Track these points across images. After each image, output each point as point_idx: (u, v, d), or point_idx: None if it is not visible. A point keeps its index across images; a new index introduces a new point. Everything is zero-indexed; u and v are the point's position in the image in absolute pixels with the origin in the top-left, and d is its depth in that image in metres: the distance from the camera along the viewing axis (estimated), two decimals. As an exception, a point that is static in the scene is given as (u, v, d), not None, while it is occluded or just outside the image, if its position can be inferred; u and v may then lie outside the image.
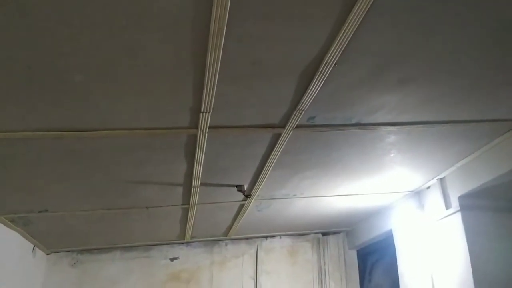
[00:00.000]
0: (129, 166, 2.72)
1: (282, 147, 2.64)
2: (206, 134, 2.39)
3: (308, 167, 3.06)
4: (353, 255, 5.29)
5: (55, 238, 4.23)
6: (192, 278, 4.90)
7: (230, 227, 4.52)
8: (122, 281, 4.79)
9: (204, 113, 2.17)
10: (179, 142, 2.48)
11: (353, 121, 2.46)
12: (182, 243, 4.99)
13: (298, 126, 2.43)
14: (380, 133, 2.65)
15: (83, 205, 3.32)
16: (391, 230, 4.36)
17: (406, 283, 4.06)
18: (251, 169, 2.99)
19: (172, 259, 4.95)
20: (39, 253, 4.57)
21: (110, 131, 2.27)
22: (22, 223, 3.61)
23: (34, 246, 4.37)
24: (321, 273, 5.13)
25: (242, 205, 3.77)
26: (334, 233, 5.32)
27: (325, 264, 5.18)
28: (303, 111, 2.26)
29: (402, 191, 3.88)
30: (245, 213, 3.97)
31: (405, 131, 2.64)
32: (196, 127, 2.32)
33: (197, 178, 3.02)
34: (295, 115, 2.29)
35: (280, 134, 2.50)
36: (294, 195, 3.67)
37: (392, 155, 3.01)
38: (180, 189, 3.23)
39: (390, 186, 3.70)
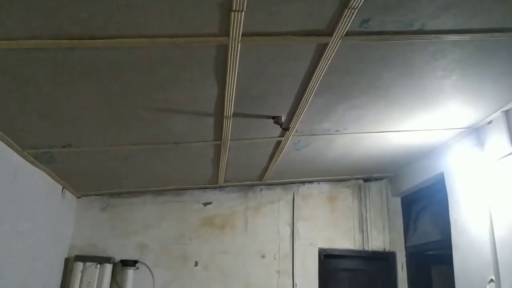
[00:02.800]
0: (153, 88, 2.41)
1: (328, 63, 2.26)
2: (239, 44, 2.04)
3: (355, 92, 2.67)
4: (396, 203, 4.94)
5: (84, 179, 4.07)
6: (226, 223, 4.69)
7: (265, 170, 4.24)
8: (154, 225, 4.64)
9: (236, 12, 1.80)
10: (208, 56, 2.14)
11: (414, 27, 2.04)
12: (215, 188, 4.77)
13: (348, 34, 2.03)
14: (445, 46, 2.22)
15: (107, 138, 3.07)
16: (441, 174, 3.96)
17: (460, 229, 3.68)
18: (289, 95, 2.63)
19: (205, 204, 4.75)
20: (69, 196, 4.44)
21: (128, 39, 1.94)
22: (46, 160, 3.42)
23: (63, 188, 4.23)
24: (362, 221, 4.83)
25: (279, 143, 3.45)
26: (376, 179, 4.97)
27: (366, 212, 4.86)
28: (356, 10, 1.86)
29: (458, 128, 3.45)
30: (282, 152, 3.65)
31: (476, 43, 2.20)
32: (227, 34, 1.97)
33: (229, 107, 2.69)
34: (345, 16, 1.89)
35: (326, 45, 2.11)
36: (337, 131, 3.31)
37: (454, 77, 2.57)
38: (211, 121, 2.93)
39: (445, 121, 3.27)
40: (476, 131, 3.46)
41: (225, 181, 4.52)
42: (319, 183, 4.90)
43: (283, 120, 2.94)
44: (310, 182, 4.87)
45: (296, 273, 4.57)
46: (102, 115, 2.69)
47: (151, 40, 1.96)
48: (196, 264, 4.54)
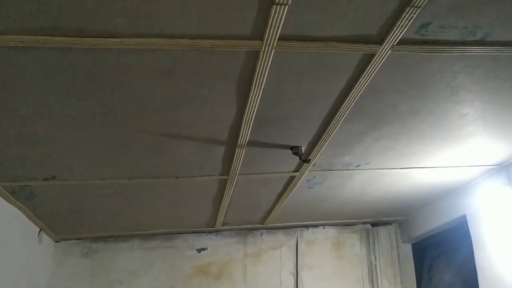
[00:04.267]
0: (162, 106, 2.03)
1: (369, 79, 1.94)
2: (273, 50, 1.71)
3: (389, 119, 2.35)
4: (407, 249, 4.55)
5: (65, 220, 3.57)
6: (222, 272, 4.20)
7: (269, 212, 3.82)
8: (142, 274, 4.11)
9: (279, 6, 1.48)
10: (233, 66, 1.79)
11: (478, 36, 1.75)
12: (211, 232, 4.30)
13: (400, 42, 1.73)
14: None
15: (100, 169, 2.65)
16: (463, 216, 3.62)
17: (489, 278, 3.30)
18: (316, 119, 2.29)
19: (199, 250, 4.26)
20: (46, 239, 3.91)
21: (139, 38, 1.59)
22: (24, 196, 2.95)
23: (40, 230, 3.72)
24: (371, 269, 4.40)
25: (292, 178, 3.07)
26: (385, 223, 4.59)
27: (375, 259, 4.44)
28: (419, 10, 1.56)
29: (487, 165, 3.15)
30: (293, 190, 3.27)
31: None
32: (261, 37, 1.64)
33: (245, 133, 2.33)
34: (404, 18, 1.59)
35: (372, 56, 1.80)
36: (358, 166, 2.96)
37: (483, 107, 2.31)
38: (221, 150, 2.55)
39: (472, 157, 2.98)
40: (507, 169, 3.17)
41: (224, 223, 4.07)
42: (324, 227, 4.49)
43: (303, 151, 2.58)
44: (315, 226, 4.46)
45: (301, 329, 4.07)
46: (97, 139, 2.28)
47: (166, 41, 1.61)
48: (188, 319, 4.00)
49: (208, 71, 1.81)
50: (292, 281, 4.24)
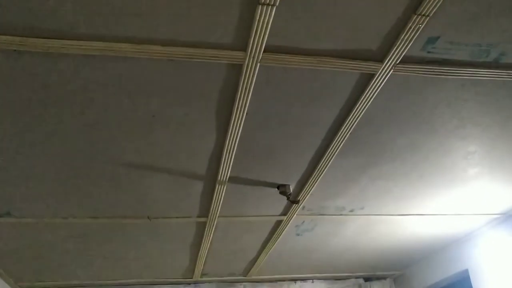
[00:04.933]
0: (131, 129, 1.76)
1: (368, 104, 1.71)
2: (258, 64, 1.47)
3: (388, 155, 2.10)
4: (403, 308, 4.17)
5: (24, 264, 3.18)
6: (199, 329, 3.77)
7: (254, 262, 3.47)
8: (109, 330, 3.66)
9: (264, 6, 1.26)
10: (213, 81, 1.55)
11: (491, 56, 1.55)
12: (189, 284, 3.90)
13: (403, 61, 1.52)
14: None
15: (60, 205, 2.32)
16: (465, 271, 3.30)
17: None
18: (307, 152, 2.03)
19: (174, 305, 3.84)
20: (3, 285, 3.49)
21: (100, 42, 1.35)
22: (-25, 235, 2.60)
23: (-5, 277, 3.31)
24: (364, 330, 3.99)
25: (279, 223, 2.77)
26: (379, 278, 4.23)
27: (369, 319, 4.04)
28: (427, 19, 1.35)
29: (490, 213, 2.89)
30: (280, 237, 2.95)
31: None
32: (244, 47, 1.41)
33: (226, 166, 2.06)
34: (410, 29, 1.38)
35: (372, 76, 1.58)
36: (352, 211, 2.68)
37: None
38: (199, 187, 2.26)
39: (475, 206, 2.73)
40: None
41: (203, 274, 3.69)
42: (313, 281, 4.11)
43: (291, 190, 2.30)
44: (303, 279, 4.08)
45: None
46: (56, 168, 1.98)
47: (133, 47, 1.37)
48: None
49: (183, 87, 1.57)
50: None
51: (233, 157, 1.99)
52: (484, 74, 1.61)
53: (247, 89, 1.58)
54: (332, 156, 2.05)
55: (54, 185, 2.13)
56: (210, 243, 2.95)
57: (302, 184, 2.31)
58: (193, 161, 2.02)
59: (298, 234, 2.97)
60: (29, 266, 3.21)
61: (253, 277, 3.86)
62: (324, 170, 2.17)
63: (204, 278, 3.80)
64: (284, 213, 2.63)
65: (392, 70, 1.55)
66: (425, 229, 3.07)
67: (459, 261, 3.35)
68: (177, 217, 2.58)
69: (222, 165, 2.05)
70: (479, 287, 3.16)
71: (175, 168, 2.07)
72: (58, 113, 1.63)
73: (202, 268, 3.49)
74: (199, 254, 3.14)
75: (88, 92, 1.54)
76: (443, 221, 2.96)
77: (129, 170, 2.04)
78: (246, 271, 3.73)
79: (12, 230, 2.57)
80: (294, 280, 4.07)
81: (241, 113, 1.70)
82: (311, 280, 4.10)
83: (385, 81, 1.60)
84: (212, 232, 2.80)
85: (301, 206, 2.55)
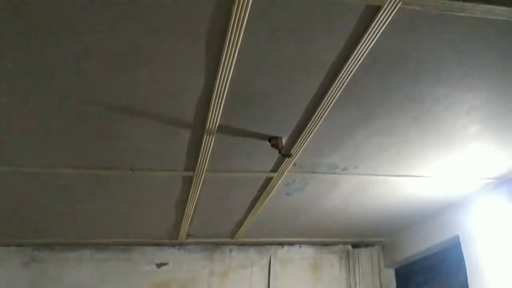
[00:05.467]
0: (110, 63, 1.59)
1: (372, 42, 1.56)
2: (254, -13, 1.32)
3: (387, 105, 1.97)
4: (390, 275, 4.14)
5: (1, 220, 3.05)
6: (184, 291, 3.70)
7: (241, 223, 3.38)
8: (91, 289, 3.58)
9: None
10: (201, 10, 1.39)
11: (510, -10, 1.41)
12: (174, 246, 3.81)
13: (414, -11, 1.37)
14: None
15: (37, 153, 2.18)
16: (456, 237, 3.25)
17: (485, 308, 2.92)
18: (303, 98, 1.89)
19: (159, 265, 3.75)
20: (-21, 243, 3.37)
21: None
22: None
23: (-29, 232, 3.18)
24: (350, 295, 3.96)
25: (269, 181, 2.65)
26: (367, 245, 4.18)
27: (356, 285, 4.01)
28: None
29: (485, 177, 2.81)
30: (269, 196, 2.84)
31: None
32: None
33: (216, 112, 1.92)
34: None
35: (378, 9, 1.42)
36: (345, 169, 2.57)
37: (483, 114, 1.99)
38: (186, 136, 2.12)
39: (471, 167, 2.64)
40: (508, 184, 2.83)
41: (188, 235, 3.60)
42: (301, 246, 4.05)
43: (283, 143, 2.17)
44: (291, 244, 4.02)
45: None
46: (31, 108, 1.82)
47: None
48: None
49: (167, 17, 1.40)
50: (262, 305, 3.76)
51: (223, 101, 1.84)
52: (500, 12, 1.47)
53: (240, 22, 1.43)
54: (328, 106, 1.92)
55: (29, 129, 1.98)
56: (197, 200, 2.83)
57: (294, 137, 2.19)
58: (180, 105, 1.88)
59: (288, 194, 2.87)
60: (6, 222, 3.08)
61: (240, 240, 3.78)
62: (318, 122, 2.04)
63: (190, 240, 3.72)
64: (275, 169, 2.51)
65: (400, 1, 1.40)
66: (419, 192, 2.98)
67: (450, 227, 3.29)
68: (162, 170, 2.45)
69: (211, 111, 1.90)
70: (469, 253, 3.11)
71: (159, 113, 1.92)
72: (27, 39, 1.46)
73: (187, 228, 3.39)
74: (185, 212, 3.04)
75: (60, 15, 1.37)
76: (438, 184, 2.87)
77: (108, 113, 1.89)
78: (233, 233, 3.65)
79: (-15, 179, 2.43)
80: (282, 244, 4.00)
81: (233, 49, 1.55)
82: (298, 245, 4.04)
83: (392, 15, 1.45)
84: (199, 189, 2.68)
85: (292, 163, 2.43)
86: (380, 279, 4.07)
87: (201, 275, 3.77)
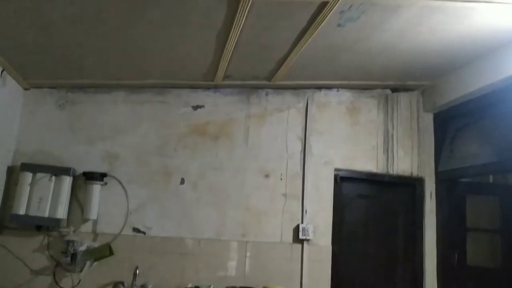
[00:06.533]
0: None
1: None
2: None
3: None
4: (428, 119, 4.05)
5: (32, 58, 2.90)
6: (221, 133, 3.68)
7: (281, 63, 3.18)
8: (128, 131, 3.56)
9: None
10: None
11: None
12: (209, 88, 3.69)
13: None
14: None
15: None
16: (509, 78, 3.03)
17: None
18: None
19: (195, 107, 3.68)
20: (12, 84, 3.28)
21: None
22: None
23: (3, 70, 3.06)
24: (387, 138, 3.93)
25: (323, 6, 2.37)
26: (407, 89, 4.03)
27: (393, 128, 3.95)
28: None
29: None
30: (319, 27, 2.59)
31: None
32: None
33: None
34: None
35: None
36: (410, -9, 2.26)
37: None
38: None
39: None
40: None
41: (225, 76, 3.44)
42: (338, 90, 3.91)
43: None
44: (328, 87, 3.87)
45: (307, 197, 3.67)
46: None
47: None
48: (182, 181, 3.55)
49: None
50: (299, 147, 3.76)
51: None
52: None
53: None
54: None
55: None
56: (240, 31, 2.59)
57: None
58: None
59: (339, 25, 2.61)
60: (38, 62, 2.94)
61: (277, 82, 3.63)
62: None
63: (226, 82, 3.57)
64: (332, -13, 2.22)
65: None
66: (482, 23, 2.67)
67: (504, 67, 3.05)
68: (204, -8, 2.18)
69: None
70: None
71: None
72: None
73: (225, 67, 3.21)
74: (226, 47, 2.82)
75: None
76: (504, 12, 2.55)
77: None
78: (271, 75, 3.48)
79: (11, 13, 2.19)
80: (319, 88, 3.86)
81: None
82: (336, 89, 3.90)
83: None
84: (244, 17, 2.42)
85: (354, -21, 2.13)
86: (418, 123, 4.00)
87: (238, 117, 3.71)
